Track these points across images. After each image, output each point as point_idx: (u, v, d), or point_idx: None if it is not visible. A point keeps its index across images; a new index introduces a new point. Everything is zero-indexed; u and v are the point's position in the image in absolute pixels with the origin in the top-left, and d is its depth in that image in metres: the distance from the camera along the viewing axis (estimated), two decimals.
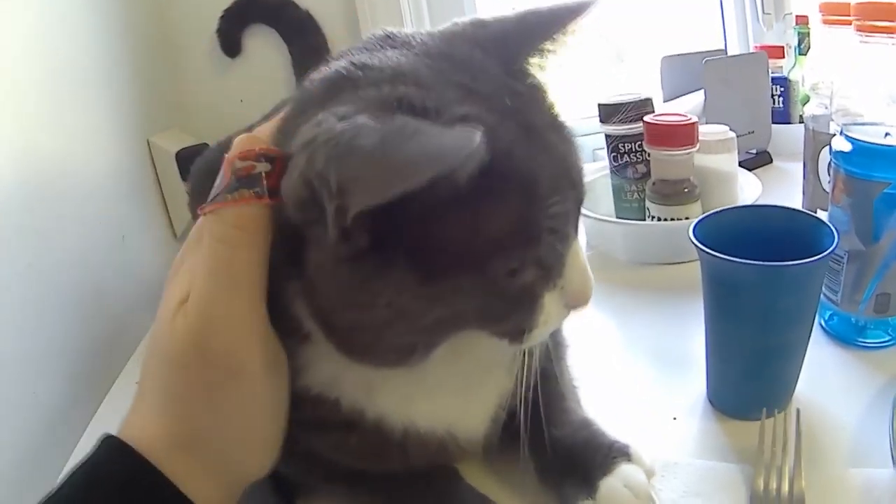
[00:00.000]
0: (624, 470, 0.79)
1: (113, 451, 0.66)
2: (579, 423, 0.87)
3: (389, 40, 0.72)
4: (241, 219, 0.66)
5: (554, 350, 0.91)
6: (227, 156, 0.67)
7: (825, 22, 1.41)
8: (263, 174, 0.65)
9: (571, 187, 0.68)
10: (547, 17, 0.74)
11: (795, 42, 1.91)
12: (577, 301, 0.72)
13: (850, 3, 1.11)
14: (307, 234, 0.62)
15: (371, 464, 0.82)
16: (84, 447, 0.72)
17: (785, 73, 1.93)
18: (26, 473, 1.02)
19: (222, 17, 1.78)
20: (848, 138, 0.98)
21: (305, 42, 1.79)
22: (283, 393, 0.72)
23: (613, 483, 0.77)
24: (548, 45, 0.74)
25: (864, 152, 0.96)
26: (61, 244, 1.23)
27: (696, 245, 0.88)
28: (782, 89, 1.92)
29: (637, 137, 1.43)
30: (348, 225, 0.58)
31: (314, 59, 1.69)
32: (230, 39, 1.82)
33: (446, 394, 0.79)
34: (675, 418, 0.96)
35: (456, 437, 0.81)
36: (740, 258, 0.84)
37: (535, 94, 0.72)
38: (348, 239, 0.60)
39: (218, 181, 0.68)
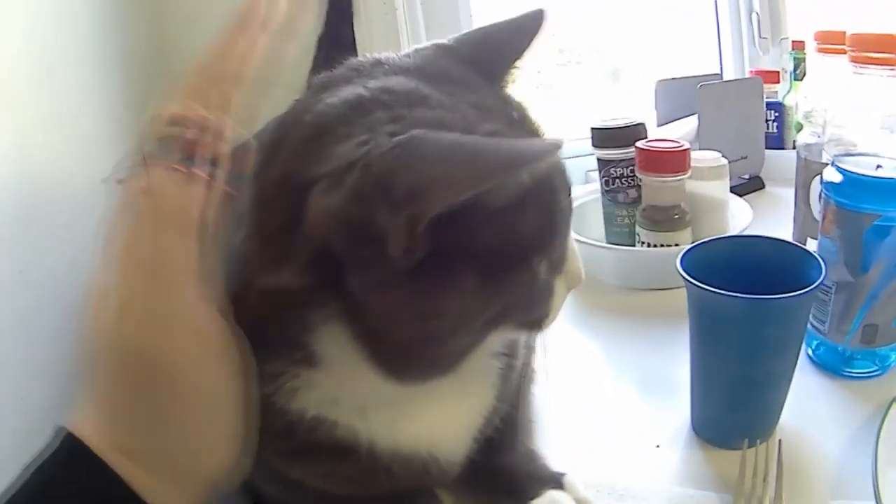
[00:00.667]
0: (552, 495, 0.81)
1: (72, 450, 0.62)
2: (526, 454, 0.90)
3: (382, 66, 0.72)
4: (174, 204, 0.64)
5: (522, 385, 0.92)
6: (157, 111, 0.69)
7: (820, 50, 1.42)
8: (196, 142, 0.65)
9: (566, 182, 0.72)
10: (513, 32, 0.79)
11: (791, 67, 1.91)
12: (576, 282, 0.78)
13: (845, 33, 1.11)
14: (350, 259, 0.61)
15: (358, 489, 0.81)
16: None
17: (780, 99, 1.93)
18: (11, 480, 1.02)
19: None
20: (839, 169, 0.99)
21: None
22: (237, 387, 0.66)
23: None
24: (517, 60, 0.78)
25: (854, 184, 0.97)
26: (53, 252, 1.22)
27: (683, 276, 0.88)
28: (777, 114, 1.92)
29: (629, 162, 1.43)
30: (419, 232, 0.58)
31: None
32: None
33: (431, 414, 0.79)
34: (658, 446, 0.95)
35: (438, 459, 0.80)
36: (728, 289, 0.84)
37: (520, 104, 0.75)
38: (412, 250, 0.59)
39: (145, 145, 0.68)
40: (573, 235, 0.78)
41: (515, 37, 0.78)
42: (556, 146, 0.60)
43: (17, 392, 1.08)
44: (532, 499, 0.80)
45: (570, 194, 0.74)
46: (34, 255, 1.15)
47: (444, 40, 0.77)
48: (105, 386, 0.63)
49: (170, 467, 0.64)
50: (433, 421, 0.79)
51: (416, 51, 0.75)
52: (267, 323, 0.68)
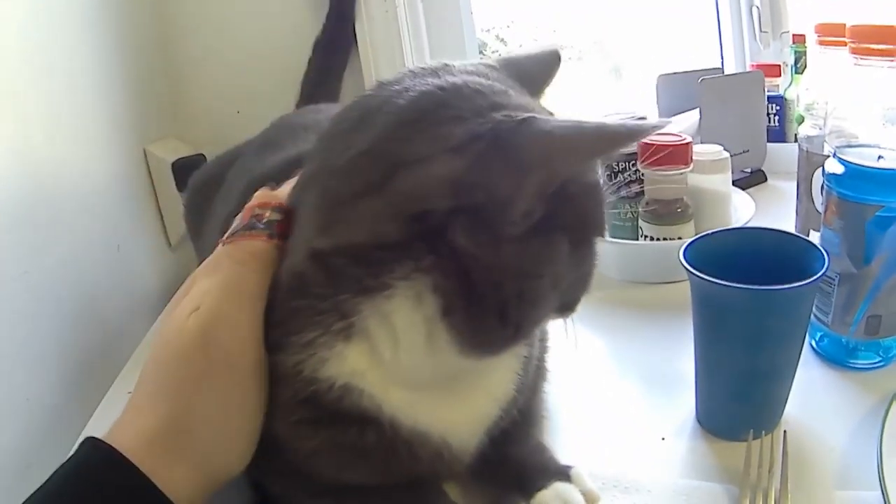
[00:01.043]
0: (559, 487, 0.81)
1: (91, 450, 0.70)
2: (535, 447, 0.90)
3: (449, 67, 0.77)
4: (255, 249, 0.77)
5: (535, 380, 0.94)
6: (247, 204, 0.81)
7: (821, 43, 1.42)
8: (276, 221, 0.78)
9: None
10: (539, 64, 0.86)
11: (792, 61, 1.92)
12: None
13: (845, 25, 1.11)
14: (461, 220, 0.66)
15: (373, 469, 0.81)
16: None
17: (781, 92, 1.94)
18: (18, 480, 1.03)
19: None
20: (841, 161, 0.99)
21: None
22: (262, 396, 0.76)
23: (547, 496, 0.80)
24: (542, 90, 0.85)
25: (856, 175, 0.97)
26: (57, 251, 1.23)
27: (686, 268, 0.88)
28: (778, 108, 1.93)
29: (631, 157, 1.42)
30: (541, 197, 0.67)
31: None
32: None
33: (452, 398, 0.81)
34: (663, 438, 0.96)
35: (451, 445, 0.81)
36: (731, 281, 0.84)
37: None
38: (530, 214, 0.67)
39: (237, 221, 0.80)
40: None
41: (541, 69, 0.85)
42: (664, 124, 0.80)
43: (23, 393, 1.09)
44: (539, 490, 0.81)
45: None
46: (38, 256, 1.15)
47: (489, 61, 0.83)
48: (172, 379, 0.74)
49: (197, 458, 0.73)
50: (453, 405, 0.81)
51: (464, 64, 0.79)
52: (303, 295, 0.73)
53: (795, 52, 1.90)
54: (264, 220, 0.78)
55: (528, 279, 0.70)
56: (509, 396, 0.84)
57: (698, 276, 0.86)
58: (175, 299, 0.81)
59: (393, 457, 0.79)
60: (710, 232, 0.99)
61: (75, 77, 1.41)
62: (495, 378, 0.84)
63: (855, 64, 1.05)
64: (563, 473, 0.83)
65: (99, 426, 1.05)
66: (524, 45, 1.83)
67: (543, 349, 0.97)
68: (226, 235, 0.80)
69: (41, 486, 0.68)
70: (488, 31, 2.34)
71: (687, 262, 0.89)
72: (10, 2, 1.21)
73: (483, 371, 0.82)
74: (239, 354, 0.74)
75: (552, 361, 0.99)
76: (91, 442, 0.70)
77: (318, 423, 0.77)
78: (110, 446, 0.69)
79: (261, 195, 0.81)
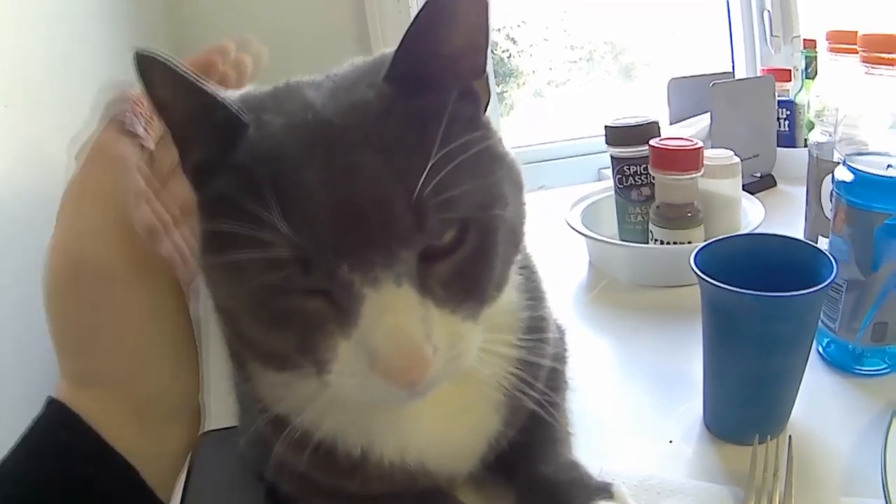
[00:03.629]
0: None
1: (46, 409, 0.70)
2: (568, 464, 0.88)
3: None
4: (98, 143, 0.76)
5: (553, 394, 0.92)
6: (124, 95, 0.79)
7: (831, 50, 1.42)
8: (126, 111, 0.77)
9: (352, 222, 0.60)
10: None
11: (803, 66, 1.92)
12: (378, 365, 0.61)
13: (856, 33, 1.11)
14: None
15: (369, 488, 0.81)
16: None
17: (791, 97, 1.94)
18: None
19: None
20: (850, 168, 0.99)
21: None
22: (162, 299, 0.74)
23: None
24: None
25: (865, 183, 0.97)
26: None
27: (697, 273, 0.89)
28: (788, 113, 1.93)
29: (643, 160, 1.43)
30: None
31: None
32: None
33: (434, 433, 0.80)
34: (671, 441, 0.96)
35: (441, 473, 0.82)
36: (740, 286, 0.85)
37: (399, 108, 0.66)
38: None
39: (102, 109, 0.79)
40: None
41: None
42: None
43: (28, 387, 1.10)
44: None
45: (359, 232, 0.61)
46: None
47: None
48: (57, 311, 0.72)
49: (121, 389, 0.71)
50: (437, 437, 0.80)
51: None
52: None
53: (806, 56, 1.91)
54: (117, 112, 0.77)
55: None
56: (495, 430, 0.83)
57: (709, 282, 0.87)
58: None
59: (386, 481, 0.79)
60: (719, 238, 1.00)
61: (91, 84, 1.42)
62: (473, 414, 0.82)
63: (865, 72, 1.05)
64: (605, 491, 0.81)
65: None
66: (535, 45, 1.83)
67: (560, 363, 0.97)
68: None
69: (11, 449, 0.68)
70: (499, 30, 2.35)
71: (697, 267, 0.90)
72: (33, 10, 1.22)
73: (454, 408, 0.79)
74: (109, 263, 0.71)
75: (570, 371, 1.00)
76: (49, 401, 0.70)
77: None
78: (57, 400, 0.69)
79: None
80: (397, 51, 0.66)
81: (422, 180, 0.60)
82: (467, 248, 0.65)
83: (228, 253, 0.61)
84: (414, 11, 1.84)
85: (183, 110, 0.65)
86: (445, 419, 0.79)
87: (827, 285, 0.85)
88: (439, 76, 0.67)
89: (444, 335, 0.63)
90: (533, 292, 0.86)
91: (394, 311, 0.61)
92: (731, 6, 2.23)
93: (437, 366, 0.62)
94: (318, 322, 0.63)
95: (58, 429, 0.68)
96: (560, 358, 0.98)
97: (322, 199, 0.60)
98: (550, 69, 2.37)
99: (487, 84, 0.73)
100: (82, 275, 0.70)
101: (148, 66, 0.62)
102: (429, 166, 0.61)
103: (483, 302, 0.68)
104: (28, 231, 1.12)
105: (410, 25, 0.65)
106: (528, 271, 0.87)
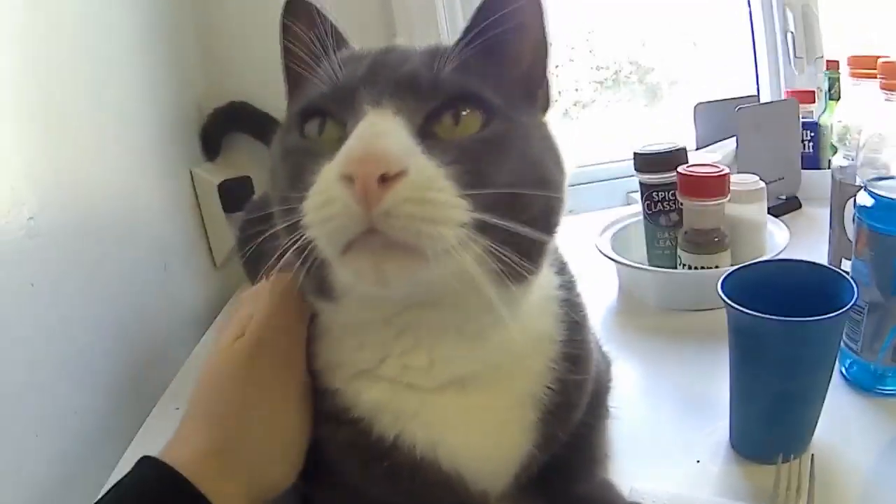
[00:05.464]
0: None
1: (148, 468, 0.73)
2: (601, 484, 0.91)
3: None
4: (293, 278, 0.78)
5: (595, 421, 0.95)
6: None
7: (853, 75, 1.44)
8: None
9: (386, 72, 0.72)
10: None
11: (826, 87, 1.92)
12: (341, 161, 0.64)
13: (877, 59, 1.13)
14: None
15: (402, 496, 0.84)
16: (124, 468, 0.77)
17: (815, 118, 1.94)
18: (67, 492, 1.06)
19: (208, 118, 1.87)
20: (871, 194, 1.01)
21: None
22: (307, 414, 0.83)
23: None
24: None
25: (886, 208, 0.99)
26: (106, 270, 1.27)
27: (723, 299, 0.91)
28: (812, 134, 1.93)
29: (671, 186, 1.45)
30: None
31: None
32: (211, 142, 1.89)
33: (470, 436, 0.82)
34: (698, 461, 0.98)
35: (474, 482, 0.83)
36: (765, 310, 0.87)
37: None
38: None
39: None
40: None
41: None
42: None
43: (71, 406, 1.12)
44: None
45: (372, 73, 0.73)
46: (88, 275, 1.19)
47: None
48: (223, 400, 0.79)
49: (247, 474, 0.76)
50: (457, 434, 0.82)
51: None
52: None
53: (829, 77, 1.90)
54: None
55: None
56: (527, 452, 0.84)
57: (735, 308, 0.89)
58: (219, 326, 0.86)
59: (418, 484, 0.81)
60: (745, 264, 1.02)
61: (124, 102, 1.45)
62: (506, 429, 0.84)
63: (886, 99, 1.07)
64: None
65: (145, 440, 1.09)
66: (560, 65, 1.85)
67: (603, 391, 1.00)
68: (268, 272, 0.84)
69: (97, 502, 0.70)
70: None
71: (724, 293, 0.92)
72: (66, 30, 1.25)
73: (490, 414, 0.82)
74: (283, 374, 0.81)
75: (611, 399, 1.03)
76: (148, 461, 0.73)
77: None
78: (167, 464, 0.72)
79: None
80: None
81: (448, 57, 0.72)
82: (482, 136, 0.71)
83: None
84: (440, 11, 1.88)
85: (304, 39, 0.80)
86: (478, 426, 0.82)
87: (847, 310, 0.87)
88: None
89: (419, 173, 0.64)
90: (573, 326, 0.88)
91: (381, 123, 0.67)
92: (754, 27, 2.24)
93: (398, 191, 0.62)
94: (316, 153, 0.70)
95: (165, 488, 0.71)
96: (603, 385, 1.00)
97: (372, 63, 0.74)
98: (577, 90, 2.39)
99: (548, 90, 0.82)
100: (260, 374, 0.80)
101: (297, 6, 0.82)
102: (458, 50, 0.72)
103: (480, 189, 0.67)
104: (66, 249, 1.14)
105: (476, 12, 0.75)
106: (570, 305, 0.89)
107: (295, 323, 0.83)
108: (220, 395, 0.79)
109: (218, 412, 0.78)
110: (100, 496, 0.71)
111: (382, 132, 0.65)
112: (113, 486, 0.71)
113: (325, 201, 0.64)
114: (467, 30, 0.73)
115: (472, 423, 0.81)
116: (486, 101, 0.72)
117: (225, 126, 1.87)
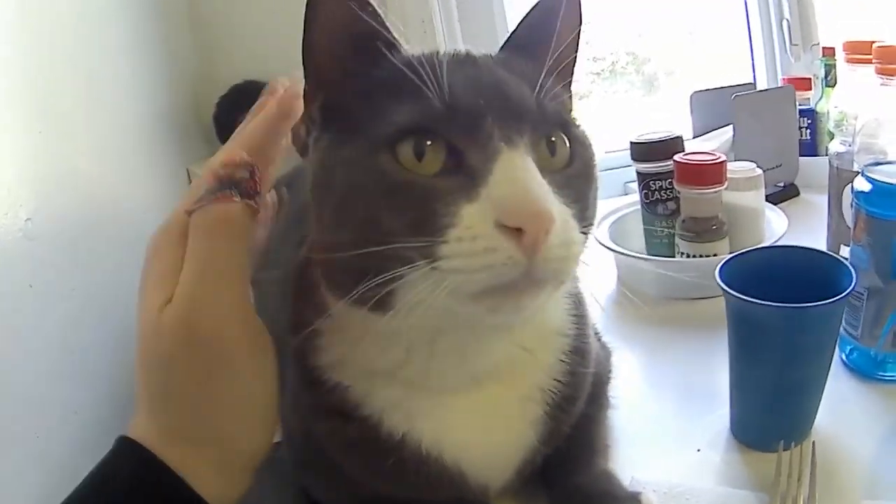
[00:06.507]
0: None
1: (124, 449, 0.72)
2: (601, 475, 0.91)
3: None
4: (224, 213, 0.73)
5: (595, 412, 0.95)
6: (209, 162, 0.76)
7: (849, 60, 1.44)
8: (245, 179, 0.74)
9: (496, 93, 0.69)
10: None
11: (822, 74, 1.92)
12: (506, 214, 0.62)
13: (872, 43, 1.13)
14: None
15: (402, 488, 0.84)
16: None
17: (812, 105, 1.94)
18: (65, 491, 1.05)
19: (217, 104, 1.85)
20: (868, 179, 1.01)
21: None
22: (271, 374, 0.76)
23: None
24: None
25: (884, 193, 0.99)
26: (104, 269, 1.27)
27: (722, 287, 0.91)
28: (809, 121, 1.93)
29: (668, 175, 1.45)
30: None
31: None
32: (224, 127, 1.86)
33: (474, 433, 0.82)
34: (698, 450, 0.98)
35: (476, 477, 0.83)
36: (764, 297, 0.87)
37: (516, 65, 0.75)
38: (313, 125, 0.74)
39: (203, 187, 0.74)
40: (522, 177, 0.65)
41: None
42: None
43: (71, 406, 1.12)
44: None
45: (499, 107, 0.68)
46: (85, 274, 1.19)
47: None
48: (167, 384, 0.72)
49: (216, 447, 0.73)
50: (463, 430, 0.82)
51: None
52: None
53: (826, 64, 1.90)
54: (231, 180, 0.74)
55: (323, 194, 0.72)
56: (531, 446, 0.84)
57: (734, 295, 0.90)
58: (141, 282, 0.76)
59: (421, 480, 0.81)
60: (743, 251, 1.02)
61: (120, 102, 1.45)
62: (512, 425, 0.84)
63: (881, 84, 1.07)
64: (635, 500, 0.84)
65: None
66: None
67: (603, 382, 1.00)
68: (188, 202, 0.75)
69: (78, 487, 0.70)
70: None
71: (722, 280, 0.92)
72: (61, 31, 1.25)
73: (497, 409, 0.82)
74: (228, 344, 0.72)
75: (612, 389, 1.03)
76: (124, 442, 0.72)
77: (314, 412, 0.83)
78: (146, 448, 0.70)
79: (224, 151, 0.77)
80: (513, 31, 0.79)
81: (539, 82, 0.71)
82: (574, 169, 0.73)
83: (363, 124, 0.69)
84: (439, 32, 1.88)
85: (348, 31, 0.70)
86: (485, 421, 0.81)
87: (846, 295, 0.87)
88: (538, 53, 0.75)
89: (562, 219, 0.65)
90: (579, 319, 0.88)
91: (524, 167, 0.65)
92: (750, 15, 2.23)
93: (555, 238, 0.63)
94: (445, 194, 0.65)
95: (137, 470, 0.70)
96: (604, 376, 1.00)
97: (472, 79, 0.69)
98: (574, 81, 2.35)
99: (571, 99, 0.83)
100: (201, 346, 0.71)
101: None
102: (543, 73, 0.71)
103: (583, 222, 0.71)
104: (64, 250, 1.14)
105: (526, 16, 0.78)
106: (576, 299, 0.89)
107: (232, 269, 0.73)
108: (163, 375, 0.72)
109: (168, 392, 0.72)
110: (82, 483, 0.70)
111: (535, 181, 0.65)
112: (95, 472, 0.71)
113: (486, 250, 0.63)
114: (530, 43, 0.76)
115: (480, 419, 0.81)
116: (570, 127, 0.74)
117: (235, 107, 1.85)
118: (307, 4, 0.68)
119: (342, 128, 0.71)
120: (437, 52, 0.71)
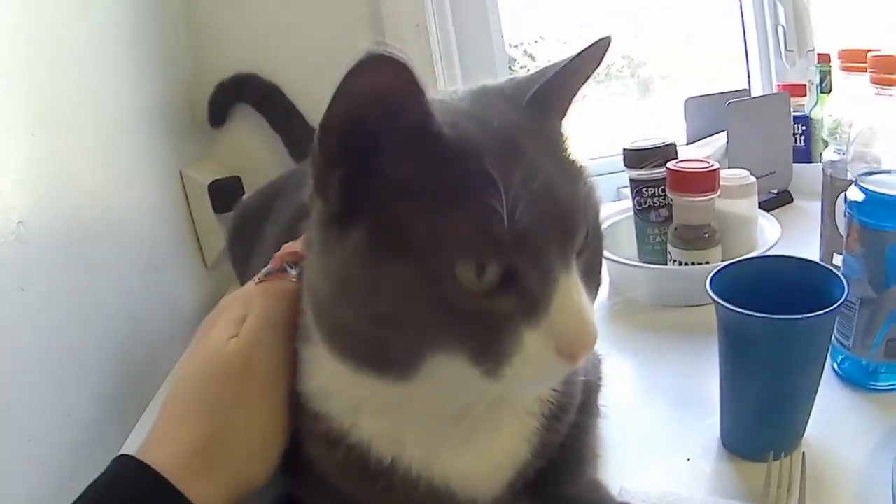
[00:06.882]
0: None
1: (124, 467, 0.75)
2: (590, 485, 0.91)
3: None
4: (287, 287, 0.85)
5: (585, 421, 0.94)
6: (276, 254, 0.90)
7: (844, 69, 1.44)
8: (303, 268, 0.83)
9: (556, 215, 0.66)
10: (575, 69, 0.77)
11: (818, 80, 1.92)
12: (566, 345, 0.66)
13: (867, 52, 1.13)
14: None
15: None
16: None
17: (807, 112, 1.94)
18: (58, 494, 1.05)
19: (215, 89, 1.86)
20: (861, 188, 1.01)
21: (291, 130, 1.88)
22: (285, 412, 0.83)
23: None
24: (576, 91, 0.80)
25: (877, 203, 0.99)
26: (97, 272, 1.27)
27: (712, 297, 0.91)
28: (804, 128, 1.93)
29: (660, 182, 1.45)
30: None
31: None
32: (217, 111, 1.89)
33: (464, 455, 0.82)
34: (689, 459, 0.98)
35: (464, 494, 0.83)
36: (755, 308, 0.87)
37: (540, 129, 0.74)
38: (327, 200, 0.69)
39: (269, 265, 0.89)
40: (574, 288, 0.67)
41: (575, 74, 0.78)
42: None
43: (63, 409, 1.12)
44: None
45: (560, 229, 0.67)
46: (78, 276, 1.19)
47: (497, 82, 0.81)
48: (209, 398, 0.80)
49: (229, 469, 0.78)
50: (465, 462, 0.82)
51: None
52: None
53: (820, 71, 1.90)
54: (294, 266, 0.87)
55: (323, 282, 0.73)
56: (523, 459, 0.84)
57: (724, 306, 0.90)
58: (206, 324, 0.88)
59: (412, 499, 0.82)
60: (735, 261, 1.02)
61: (116, 103, 1.44)
62: (504, 440, 0.84)
63: (876, 93, 1.07)
64: None
65: (137, 443, 1.09)
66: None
67: (593, 391, 0.99)
68: (258, 276, 0.88)
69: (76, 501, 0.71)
70: (517, 46, 2.35)
71: (713, 290, 0.92)
72: (55, 33, 1.25)
73: (487, 432, 0.82)
74: (275, 377, 0.82)
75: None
76: (125, 459, 0.75)
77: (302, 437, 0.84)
78: (144, 463, 0.73)
79: (288, 246, 0.90)
80: (541, 85, 0.75)
81: (580, 184, 0.72)
82: (590, 250, 0.74)
83: (413, 236, 0.65)
84: (433, 35, 1.88)
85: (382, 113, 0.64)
86: (478, 438, 0.81)
87: (837, 307, 0.87)
88: (559, 106, 0.79)
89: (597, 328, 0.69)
90: None
91: (579, 293, 0.68)
92: (745, 20, 2.23)
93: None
94: (504, 318, 0.66)
95: (141, 487, 0.72)
96: (594, 384, 1.00)
97: (533, 196, 0.64)
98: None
99: None
100: (243, 372, 0.80)
101: (382, 65, 0.59)
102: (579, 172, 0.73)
103: (594, 299, 0.74)
104: (56, 253, 1.14)
105: (560, 68, 0.75)
106: None
107: (287, 326, 0.83)
108: (209, 391, 0.80)
109: (205, 408, 0.79)
110: (78, 497, 0.71)
111: (588, 310, 0.68)
112: (90, 486, 0.73)
113: (545, 370, 0.68)
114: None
115: (473, 440, 0.81)
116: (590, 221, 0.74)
117: (232, 96, 1.88)
118: (348, 71, 0.59)
119: (380, 231, 0.66)
120: (472, 137, 0.67)
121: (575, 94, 0.79)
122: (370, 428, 0.80)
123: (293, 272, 0.86)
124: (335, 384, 0.79)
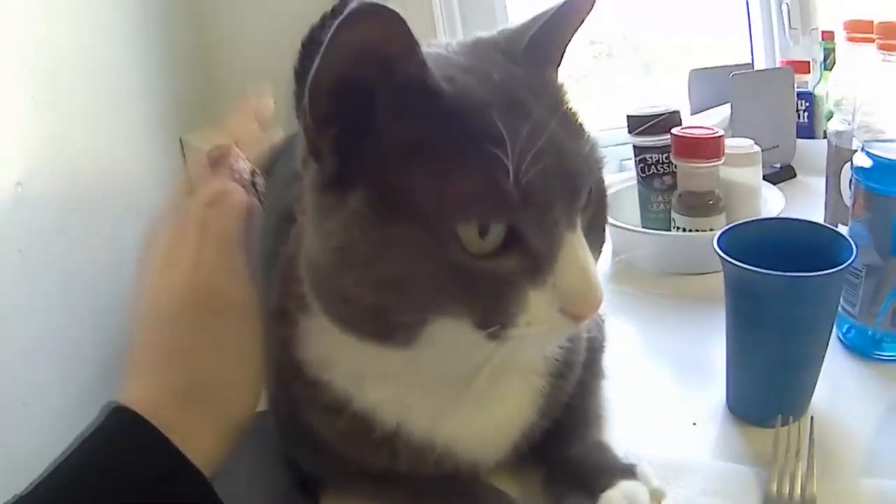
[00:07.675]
0: (626, 485, 0.80)
1: (115, 415, 0.70)
2: (595, 446, 0.89)
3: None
4: (233, 202, 0.83)
5: (589, 381, 0.94)
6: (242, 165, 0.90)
7: (850, 39, 1.43)
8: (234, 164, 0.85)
9: (561, 171, 0.65)
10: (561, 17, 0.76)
11: (821, 57, 1.91)
12: (572, 304, 0.66)
13: (873, 22, 1.12)
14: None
15: (393, 467, 0.83)
16: None
17: (810, 89, 1.94)
18: (50, 460, 1.04)
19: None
20: (869, 154, 1.00)
21: None
22: (260, 333, 0.79)
23: (613, 496, 0.79)
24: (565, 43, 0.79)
25: (884, 168, 0.98)
26: (95, 237, 1.26)
27: (720, 255, 0.90)
28: (807, 104, 1.92)
29: (664, 149, 1.45)
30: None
31: None
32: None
33: (470, 418, 0.82)
34: (694, 424, 0.98)
35: (469, 460, 0.83)
36: (762, 269, 0.86)
37: (539, 81, 0.73)
38: (321, 163, 0.68)
39: (200, 171, 0.89)
40: (580, 248, 0.68)
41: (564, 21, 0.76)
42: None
43: (57, 377, 1.11)
44: (604, 490, 0.79)
45: (566, 186, 0.66)
46: (75, 245, 1.17)
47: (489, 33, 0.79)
48: (178, 340, 0.76)
49: (210, 404, 0.74)
50: (467, 425, 0.82)
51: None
52: None
53: (825, 48, 1.90)
54: (225, 165, 0.88)
55: (320, 244, 0.70)
56: (529, 420, 0.85)
57: (732, 263, 0.89)
58: (158, 253, 0.83)
59: (416, 462, 0.82)
60: (742, 222, 1.02)
61: (115, 68, 1.43)
62: (510, 402, 0.84)
63: (883, 60, 1.06)
64: (629, 472, 0.83)
65: None
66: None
67: (597, 350, 0.99)
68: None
69: (67, 452, 0.69)
70: None
71: (721, 250, 0.91)
72: (61, 4, 1.24)
73: (493, 394, 0.81)
74: (244, 302, 0.79)
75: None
76: (120, 411, 0.70)
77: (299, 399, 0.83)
78: (139, 415, 0.69)
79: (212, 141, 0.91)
80: (534, 32, 0.74)
81: (583, 139, 0.71)
82: (594, 207, 0.73)
83: (414, 196, 0.64)
84: (436, 4, 1.87)
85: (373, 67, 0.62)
86: (484, 401, 0.81)
87: (847, 266, 0.86)
88: (553, 55, 0.78)
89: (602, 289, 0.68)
90: None
91: (584, 252, 0.68)
92: None
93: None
94: (510, 278, 0.65)
95: (134, 440, 0.69)
96: (598, 342, 0.99)
97: (540, 152, 0.62)
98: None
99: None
100: (212, 306, 0.76)
101: (372, 17, 0.58)
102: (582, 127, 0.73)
103: (597, 258, 0.74)
104: (54, 216, 1.13)
105: (551, 14, 0.74)
106: None
107: (244, 244, 0.82)
108: (183, 336, 0.76)
109: (181, 348, 0.75)
110: (69, 448, 0.70)
111: (593, 269, 0.68)
112: (85, 440, 0.70)
113: (550, 330, 0.68)
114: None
115: (479, 401, 0.81)
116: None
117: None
118: (336, 25, 0.57)
119: (380, 193, 0.65)
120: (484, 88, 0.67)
121: (568, 42, 0.79)
122: (375, 395, 0.79)
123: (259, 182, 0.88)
124: (338, 353, 0.79)
